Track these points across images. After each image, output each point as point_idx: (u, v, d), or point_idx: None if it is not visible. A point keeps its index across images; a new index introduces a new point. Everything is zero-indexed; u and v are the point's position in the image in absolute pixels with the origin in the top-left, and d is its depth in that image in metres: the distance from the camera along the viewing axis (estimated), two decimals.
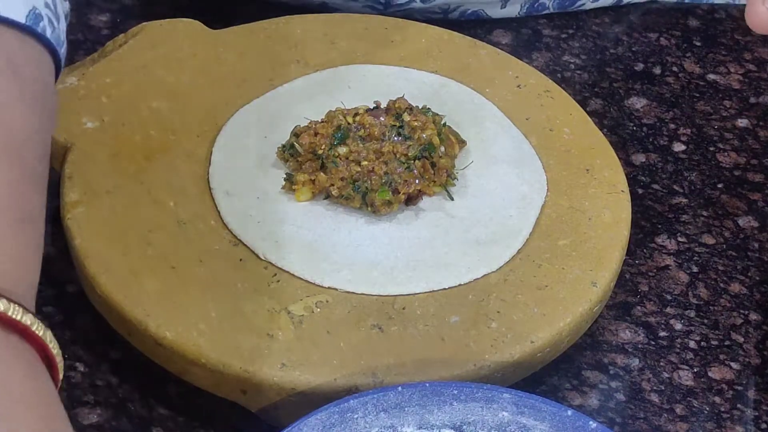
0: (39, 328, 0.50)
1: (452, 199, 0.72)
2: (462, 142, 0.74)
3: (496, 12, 0.90)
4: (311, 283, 0.67)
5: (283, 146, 0.73)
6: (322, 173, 0.70)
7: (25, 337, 0.50)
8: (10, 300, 0.49)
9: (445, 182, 0.72)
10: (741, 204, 0.80)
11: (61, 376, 0.52)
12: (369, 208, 0.70)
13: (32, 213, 0.54)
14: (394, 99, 0.73)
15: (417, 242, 0.70)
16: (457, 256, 0.69)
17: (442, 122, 0.73)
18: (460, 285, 0.68)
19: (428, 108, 0.73)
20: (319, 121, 0.72)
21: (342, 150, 0.70)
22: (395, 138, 0.71)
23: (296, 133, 0.72)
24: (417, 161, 0.70)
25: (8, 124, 0.53)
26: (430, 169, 0.71)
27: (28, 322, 0.50)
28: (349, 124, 0.71)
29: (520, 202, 0.72)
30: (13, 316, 0.49)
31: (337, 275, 0.67)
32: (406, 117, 0.72)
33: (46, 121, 0.56)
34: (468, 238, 0.70)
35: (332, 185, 0.70)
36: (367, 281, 0.67)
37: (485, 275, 0.68)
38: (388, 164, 0.70)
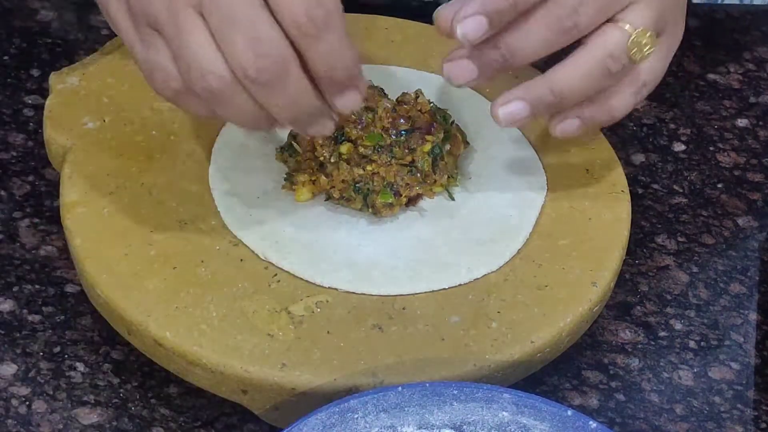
0: None
1: (453, 199, 0.72)
2: (466, 143, 0.74)
3: None
4: (311, 283, 0.67)
5: (281, 148, 0.73)
6: (322, 176, 0.70)
7: None
8: None
9: (447, 182, 0.72)
10: (741, 204, 0.80)
11: None
12: (370, 210, 0.70)
13: None
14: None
15: (417, 242, 0.70)
16: (457, 256, 0.69)
17: (451, 120, 0.73)
18: (460, 285, 0.68)
19: (439, 107, 0.73)
20: None
21: (343, 148, 0.70)
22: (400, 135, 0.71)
23: (293, 135, 0.72)
24: (423, 163, 0.70)
25: None
26: (432, 174, 0.71)
27: None
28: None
29: (520, 202, 0.72)
30: None
31: (337, 275, 0.67)
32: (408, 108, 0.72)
33: None
34: (468, 238, 0.70)
35: (333, 187, 0.70)
36: (367, 281, 0.67)
37: (485, 275, 0.68)
38: (392, 167, 0.70)
